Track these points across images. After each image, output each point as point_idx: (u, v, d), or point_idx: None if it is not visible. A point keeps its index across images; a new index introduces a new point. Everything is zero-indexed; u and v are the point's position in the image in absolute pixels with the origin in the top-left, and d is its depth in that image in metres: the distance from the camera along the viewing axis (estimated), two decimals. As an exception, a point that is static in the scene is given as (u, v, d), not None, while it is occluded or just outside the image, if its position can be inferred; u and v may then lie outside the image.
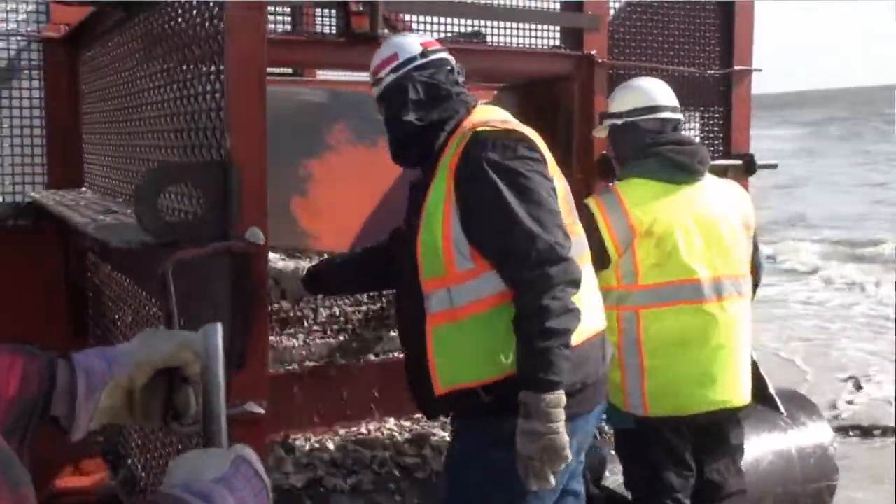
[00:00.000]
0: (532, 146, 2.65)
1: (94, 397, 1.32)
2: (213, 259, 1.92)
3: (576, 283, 2.50)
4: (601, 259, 3.35)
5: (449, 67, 2.88)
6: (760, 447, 4.33)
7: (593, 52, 4.42)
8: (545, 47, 4.46)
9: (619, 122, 3.70)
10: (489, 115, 2.78)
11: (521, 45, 4.40)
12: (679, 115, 3.70)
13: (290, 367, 4.02)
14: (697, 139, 4.55)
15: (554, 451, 2.41)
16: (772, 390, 4.30)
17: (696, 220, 3.46)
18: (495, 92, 5.19)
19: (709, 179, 3.61)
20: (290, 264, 3.98)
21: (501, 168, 2.54)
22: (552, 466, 2.44)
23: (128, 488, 3.13)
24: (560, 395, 2.45)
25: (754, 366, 3.85)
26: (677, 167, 3.50)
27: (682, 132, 3.78)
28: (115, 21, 3.55)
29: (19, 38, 4.56)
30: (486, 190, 2.53)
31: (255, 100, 1.90)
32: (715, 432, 3.65)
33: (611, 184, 3.88)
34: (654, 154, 3.54)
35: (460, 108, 2.77)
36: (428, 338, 2.65)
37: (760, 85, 5.68)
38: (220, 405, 1.30)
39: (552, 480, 2.45)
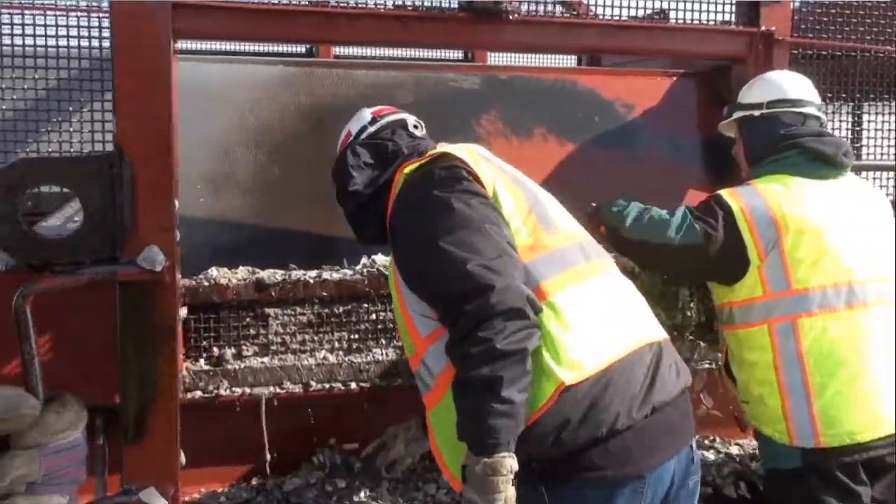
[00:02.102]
0: (454, 163, 2.27)
1: None
2: (98, 290, 1.36)
3: (517, 313, 1.96)
4: (738, 263, 3.01)
5: (402, 125, 2.66)
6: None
7: (772, 28, 3.83)
8: (711, 23, 3.70)
9: (757, 113, 3.32)
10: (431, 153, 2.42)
11: (686, 22, 3.69)
12: (822, 115, 3.33)
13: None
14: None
15: None
16: None
17: (844, 217, 3.09)
18: (674, 79, 4.74)
19: (850, 176, 3.28)
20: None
21: (412, 205, 2.24)
22: None
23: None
24: (501, 460, 1.92)
25: None
26: (821, 160, 3.14)
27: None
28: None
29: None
30: (399, 234, 2.25)
31: (154, 74, 1.28)
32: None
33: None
34: (794, 146, 3.17)
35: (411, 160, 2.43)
36: (429, 431, 2.30)
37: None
38: None
39: None
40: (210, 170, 4.08)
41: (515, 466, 1.96)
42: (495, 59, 5.97)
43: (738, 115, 3.38)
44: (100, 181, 1.28)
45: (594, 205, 3.50)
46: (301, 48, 5.92)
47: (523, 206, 2.23)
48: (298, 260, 3.58)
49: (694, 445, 2.27)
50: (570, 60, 6.12)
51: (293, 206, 4.04)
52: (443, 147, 2.40)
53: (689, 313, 3.82)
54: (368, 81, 4.39)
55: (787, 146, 3.17)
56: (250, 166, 4.15)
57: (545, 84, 4.63)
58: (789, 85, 3.33)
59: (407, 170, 2.30)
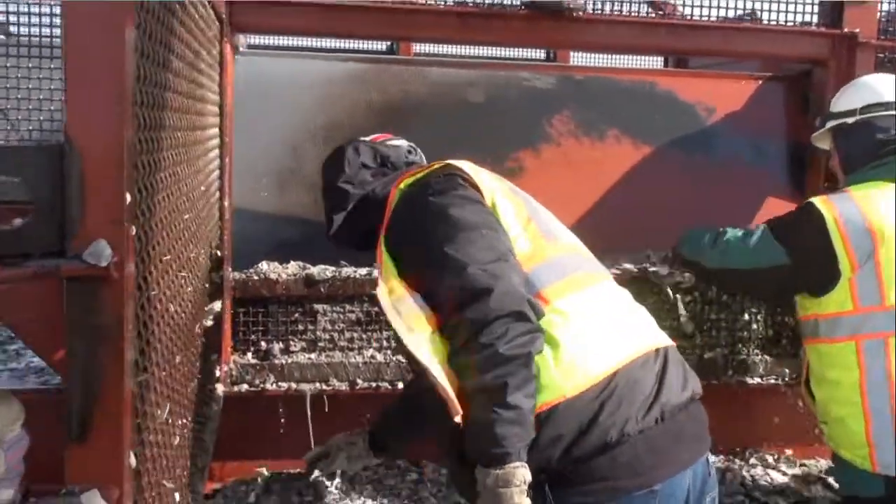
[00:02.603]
0: (451, 172, 2.19)
1: None
2: (43, 287, 1.34)
3: (518, 316, 1.87)
4: (827, 275, 2.83)
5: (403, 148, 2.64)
6: None
7: (856, 30, 3.64)
8: (792, 24, 3.51)
9: (851, 120, 3.11)
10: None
11: (765, 23, 3.54)
12: None
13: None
14: None
15: None
16: None
17: None
18: (760, 82, 4.51)
19: None
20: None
21: (409, 215, 2.15)
22: None
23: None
24: (512, 471, 1.84)
25: None
26: None
27: None
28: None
29: None
30: (399, 247, 2.12)
31: (106, 62, 1.26)
32: None
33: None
34: (895, 151, 2.96)
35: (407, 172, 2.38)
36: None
37: None
38: None
39: None
40: (276, 165, 4.10)
41: (529, 477, 1.87)
42: (578, 59, 5.84)
43: (830, 124, 3.19)
44: (49, 172, 1.26)
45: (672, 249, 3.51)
46: (381, 45, 5.90)
47: (523, 214, 2.16)
48: (357, 258, 3.56)
49: (710, 459, 2.15)
50: (657, 63, 5.94)
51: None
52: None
53: (754, 325, 3.65)
54: (440, 79, 4.34)
55: (887, 152, 2.97)
56: (317, 163, 4.13)
57: (621, 85, 4.49)
58: (883, 88, 3.13)
59: (402, 185, 2.25)
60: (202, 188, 2.31)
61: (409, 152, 2.61)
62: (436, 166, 2.23)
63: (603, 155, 4.31)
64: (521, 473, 1.84)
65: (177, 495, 1.83)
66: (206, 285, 2.54)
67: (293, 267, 3.46)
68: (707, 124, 4.47)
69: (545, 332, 1.94)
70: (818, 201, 2.88)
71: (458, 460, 1.96)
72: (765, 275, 2.94)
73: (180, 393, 1.89)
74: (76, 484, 1.28)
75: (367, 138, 2.64)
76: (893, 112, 3.04)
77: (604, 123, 4.38)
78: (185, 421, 2.01)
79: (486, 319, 1.85)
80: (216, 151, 2.94)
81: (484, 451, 1.84)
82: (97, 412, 1.29)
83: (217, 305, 2.57)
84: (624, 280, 3.64)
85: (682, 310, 3.55)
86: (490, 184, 2.17)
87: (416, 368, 2.26)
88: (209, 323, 2.50)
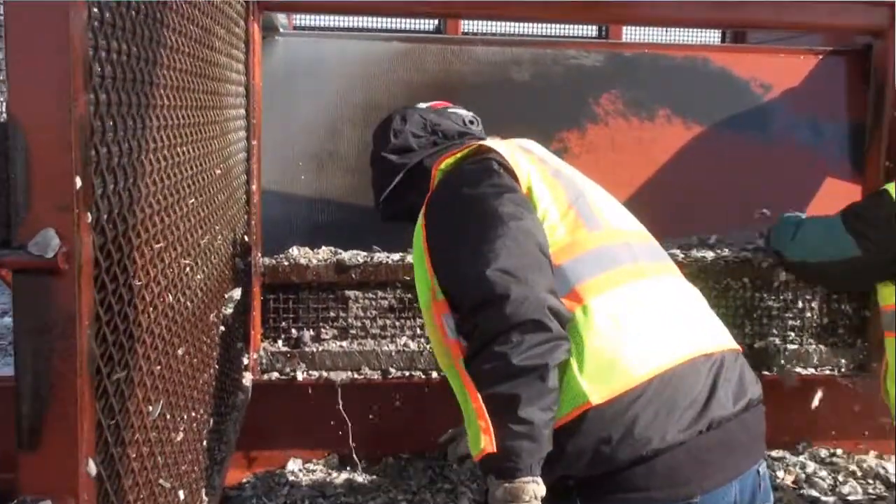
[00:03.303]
0: (485, 156, 2.04)
1: None
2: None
3: (536, 325, 1.73)
4: None
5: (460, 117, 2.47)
6: None
7: None
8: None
9: None
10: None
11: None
12: None
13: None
14: None
15: None
16: None
17: None
18: (819, 57, 4.31)
19: None
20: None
21: (441, 203, 2.02)
22: None
23: None
24: (522, 486, 1.72)
25: None
26: None
27: None
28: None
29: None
30: (429, 234, 1.98)
31: (52, 35, 1.14)
32: None
33: None
34: None
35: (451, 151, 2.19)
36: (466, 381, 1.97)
37: None
38: None
39: None
40: (314, 147, 4.01)
41: (541, 492, 1.75)
42: (630, 35, 5.64)
43: None
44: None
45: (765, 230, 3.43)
46: (430, 25, 5.77)
47: (562, 200, 1.99)
48: (390, 243, 3.45)
49: (763, 471, 1.98)
50: (712, 38, 5.71)
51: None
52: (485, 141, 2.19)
53: (808, 314, 3.47)
54: (484, 58, 4.21)
55: None
56: (355, 145, 4.05)
57: (673, 62, 4.31)
58: None
59: (443, 165, 2.10)
60: (217, 171, 2.21)
61: (468, 122, 2.45)
62: (472, 147, 2.08)
63: (652, 136, 4.15)
64: (532, 489, 1.72)
65: (181, 493, 1.74)
66: (227, 272, 2.44)
67: (324, 252, 3.36)
68: (763, 102, 4.28)
69: (574, 334, 1.81)
70: (892, 187, 2.72)
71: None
72: (836, 267, 2.88)
73: (187, 385, 1.80)
74: (28, 494, 1.18)
75: (423, 105, 2.50)
76: None
77: (654, 102, 4.22)
78: (195, 414, 1.92)
79: (501, 328, 1.72)
80: (241, 133, 2.84)
81: (494, 462, 1.73)
82: (48, 417, 1.18)
83: (237, 293, 2.47)
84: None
85: None
86: (527, 166, 2.01)
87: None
88: (228, 311, 2.40)
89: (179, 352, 1.70)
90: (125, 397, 1.26)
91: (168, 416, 1.59)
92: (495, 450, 1.71)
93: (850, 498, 3.43)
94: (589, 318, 1.82)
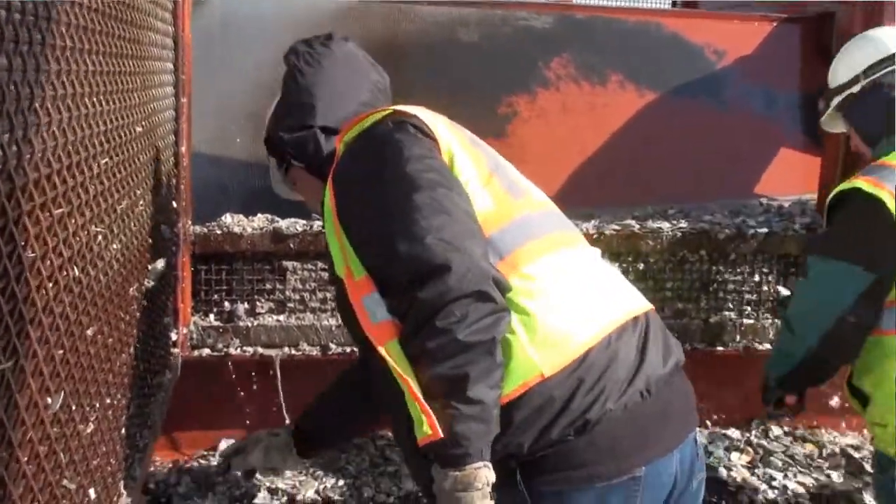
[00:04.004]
0: (403, 119, 1.82)
1: None
2: None
3: (481, 296, 1.59)
4: None
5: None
6: None
7: None
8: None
9: (856, 88, 2.70)
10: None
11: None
12: None
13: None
14: None
15: None
16: None
17: None
18: (774, 24, 4.19)
19: None
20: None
21: (355, 170, 1.80)
22: None
23: None
24: (474, 472, 1.58)
25: None
26: None
27: None
28: None
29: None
30: (344, 211, 1.77)
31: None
32: None
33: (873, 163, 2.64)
34: None
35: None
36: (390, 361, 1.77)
37: None
38: None
39: None
40: (252, 107, 3.78)
41: (492, 477, 1.60)
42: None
43: (836, 101, 2.77)
44: None
45: None
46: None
47: (483, 168, 1.84)
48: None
49: (697, 438, 1.89)
50: (664, 3, 5.58)
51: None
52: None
53: (765, 287, 3.36)
54: (431, 18, 4.01)
55: None
56: (293, 106, 3.83)
57: (626, 26, 4.16)
58: (886, 40, 2.71)
59: (347, 137, 1.88)
60: (138, 128, 1.99)
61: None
62: (381, 113, 1.87)
63: (605, 101, 4.01)
64: (484, 475, 1.57)
65: (91, 492, 1.53)
66: (150, 240, 2.22)
67: (260, 220, 3.16)
68: (716, 69, 4.15)
69: (516, 305, 1.66)
70: (866, 185, 2.40)
71: (417, 456, 1.66)
72: (862, 307, 2.35)
73: (100, 369, 1.59)
74: None
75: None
76: None
77: (606, 67, 4.07)
78: (110, 401, 1.71)
79: (443, 300, 1.56)
80: (168, 89, 2.61)
81: (440, 450, 1.57)
82: None
83: (160, 264, 2.25)
84: (623, 237, 3.37)
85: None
86: (447, 133, 1.83)
87: (362, 354, 1.98)
88: (151, 284, 2.19)
89: (89, 332, 1.49)
90: (12, 391, 1.05)
91: (74, 407, 1.38)
92: (442, 435, 1.56)
93: (803, 481, 3.35)
94: (527, 285, 1.69)
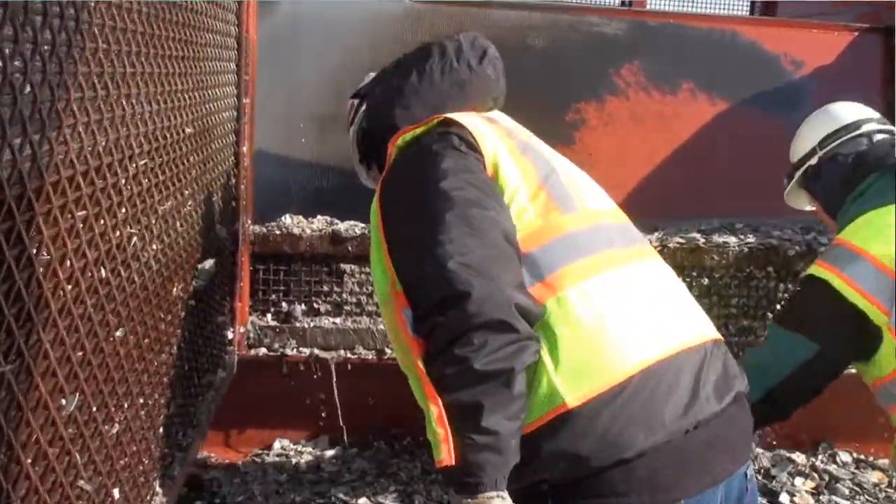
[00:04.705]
0: (447, 130, 1.78)
1: None
2: None
3: (500, 326, 1.54)
4: (867, 342, 2.36)
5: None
6: None
7: None
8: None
9: (814, 161, 2.71)
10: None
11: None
12: (890, 126, 2.69)
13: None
14: None
15: None
16: None
17: None
18: (855, 34, 4.10)
19: None
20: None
21: (396, 183, 1.78)
22: None
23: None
24: (486, 501, 1.53)
25: None
26: None
27: None
28: None
29: None
30: (383, 219, 1.76)
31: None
32: None
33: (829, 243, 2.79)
34: (873, 169, 2.54)
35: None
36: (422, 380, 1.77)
37: None
38: None
39: None
40: (317, 109, 3.81)
41: None
42: (656, 4, 5.38)
43: (797, 176, 2.77)
44: None
45: None
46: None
47: (532, 179, 1.77)
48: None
49: (750, 473, 1.79)
50: (742, 9, 5.44)
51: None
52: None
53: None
54: (500, 22, 3.99)
55: (864, 173, 2.55)
56: (360, 108, 3.84)
57: (699, 33, 4.07)
58: (839, 112, 2.73)
59: (400, 141, 1.86)
60: (188, 129, 2.00)
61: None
62: (434, 121, 1.84)
63: (675, 110, 3.92)
64: None
65: (116, 492, 1.54)
66: (200, 241, 2.23)
67: (319, 222, 3.16)
68: (793, 79, 4.03)
69: (549, 330, 1.60)
70: (816, 270, 2.45)
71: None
72: (805, 373, 2.42)
73: (130, 370, 1.60)
74: None
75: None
76: (857, 132, 2.63)
77: (677, 75, 3.99)
78: (144, 401, 1.72)
79: (462, 328, 1.53)
80: (230, 89, 2.63)
81: (455, 476, 1.54)
82: None
83: (209, 264, 2.26)
84: (687, 251, 3.28)
85: None
86: (494, 142, 1.78)
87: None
88: (200, 284, 2.20)
89: (118, 333, 1.49)
90: (14, 392, 1.05)
91: (96, 408, 1.38)
92: (455, 462, 1.52)
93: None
94: (564, 310, 1.62)
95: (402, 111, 1.92)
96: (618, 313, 1.65)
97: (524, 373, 1.55)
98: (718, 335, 1.79)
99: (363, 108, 2.05)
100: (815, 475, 3.41)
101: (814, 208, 2.84)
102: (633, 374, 1.60)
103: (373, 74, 2.14)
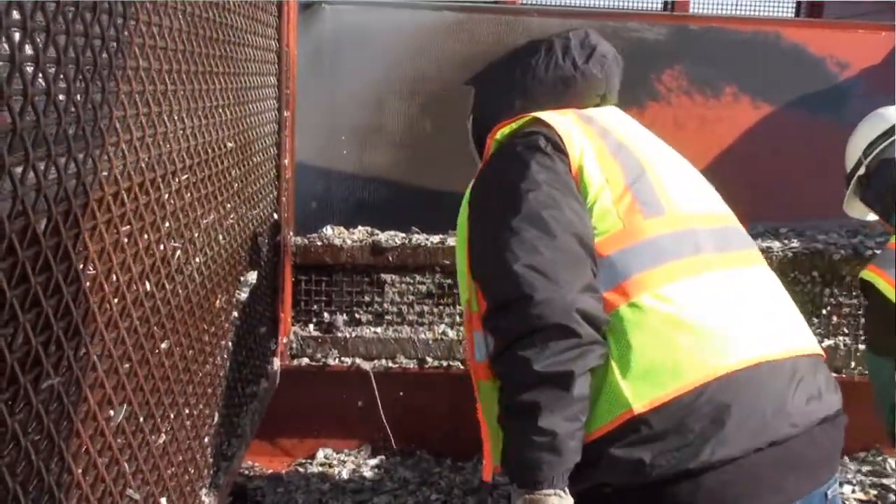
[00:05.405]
0: (535, 129, 1.78)
1: None
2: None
3: (561, 330, 1.54)
4: None
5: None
6: None
7: None
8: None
9: (863, 170, 2.71)
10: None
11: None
12: None
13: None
14: None
15: None
16: None
17: None
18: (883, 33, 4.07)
19: None
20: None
21: (484, 180, 1.82)
22: None
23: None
24: (543, 498, 1.55)
25: None
26: None
27: None
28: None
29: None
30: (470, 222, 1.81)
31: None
32: None
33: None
34: None
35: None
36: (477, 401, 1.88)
37: None
38: None
39: None
40: (359, 121, 3.84)
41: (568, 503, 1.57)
42: (698, 8, 5.34)
43: (851, 187, 2.77)
44: None
45: None
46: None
47: (618, 182, 1.73)
48: (432, 225, 3.24)
49: (832, 493, 1.70)
50: (787, 10, 5.38)
51: (439, 164, 3.71)
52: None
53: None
54: (540, 30, 3.98)
55: None
56: (401, 119, 3.88)
57: (743, 37, 4.04)
58: (880, 118, 2.73)
59: (498, 135, 1.86)
60: (230, 144, 2.03)
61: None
62: (525, 118, 1.84)
63: (717, 114, 3.90)
64: (554, 502, 1.54)
65: (163, 501, 1.57)
66: (243, 253, 2.26)
67: (360, 233, 3.18)
68: (839, 81, 3.99)
69: (619, 335, 1.59)
70: (864, 273, 2.45)
71: None
72: None
73: (176, 380, 1.63)
74: None
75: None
76: None
77: (720, 79, 3.96)
78: (189, 411, 1.75)
79: (523, 331, 1.56)
80: (270, 103, 2.66)
81: (516, 471, 1.58)
82: None
83: (252, 276, 2.30)
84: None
85: None
86: (582, 142, 1.76)
87: None
88: (243, 295, 2.23)
89: (164, 345, 1.52)
90: (64, 404, 1.08)
91: (143, 419, 1.41)
92: (513, 459, 1.58)
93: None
94: (638, 316, 1.60)
95: (504, 104, 1.92)
96: (694, 319, 1.61)
97: (587, 376, 1.56)
98: (817, 349, 1.73)
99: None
100: (865, 483, 3.36)
101: (874, 217, 2.82)
102: (707, 383, 1.57)
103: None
